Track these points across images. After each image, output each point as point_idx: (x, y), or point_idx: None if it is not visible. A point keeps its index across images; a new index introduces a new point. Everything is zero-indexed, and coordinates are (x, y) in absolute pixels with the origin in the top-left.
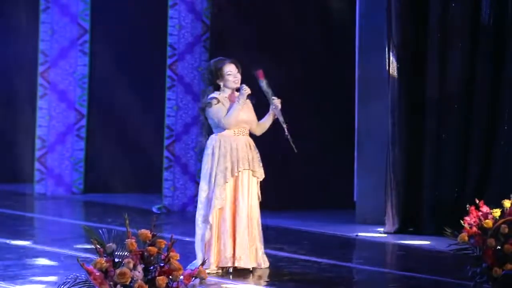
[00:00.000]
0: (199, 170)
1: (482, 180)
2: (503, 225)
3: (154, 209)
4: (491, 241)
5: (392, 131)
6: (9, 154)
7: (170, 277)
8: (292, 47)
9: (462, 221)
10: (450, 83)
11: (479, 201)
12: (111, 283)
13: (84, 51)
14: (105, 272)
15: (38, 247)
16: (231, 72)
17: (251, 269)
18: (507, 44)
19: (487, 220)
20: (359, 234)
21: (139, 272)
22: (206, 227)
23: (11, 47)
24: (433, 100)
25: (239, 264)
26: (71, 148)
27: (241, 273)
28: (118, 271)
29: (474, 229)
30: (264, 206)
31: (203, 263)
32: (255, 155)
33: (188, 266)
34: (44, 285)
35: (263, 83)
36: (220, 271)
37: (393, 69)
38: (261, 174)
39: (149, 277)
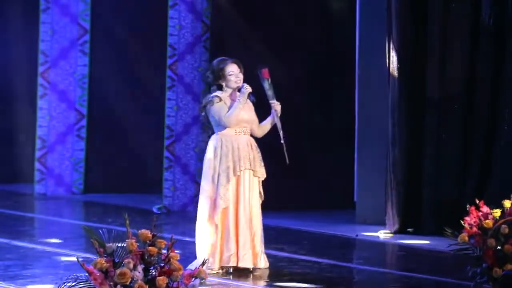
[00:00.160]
0: (199, 170)
1: (482, 180)
2: (503, 225)
3: (154, 209)
4: (491, 241)
5: (392, 131)
6: (9, 154)
7: (170, 277)
8: (292, 47)
9: (462, 221)
10: (450, 83)
11: (479, 201)
12: (111, 283)
13: (84, 51)
14: (105, 272)
15: (38, 247)
16: (233, 72)
17: (251, 269)
18: (507, 44)
19: (487, 220)
20: (363, 233)
21: (139, 272)
22: (210, 228)
23: (11, 47)
24: (433, 100)
25: (242, 264)
26: (71, 148)
27: (241, 273)
28: (118, 271)
29: (474, 229)
30: (264, 206)
31: (203, 263)
32: (256, 154)
33: (189, 266)
34: (44, 285)
35: (266, 83)
36: (220, 271)
37: (393, 69)
38: (262, 174)
39: (149, 277)
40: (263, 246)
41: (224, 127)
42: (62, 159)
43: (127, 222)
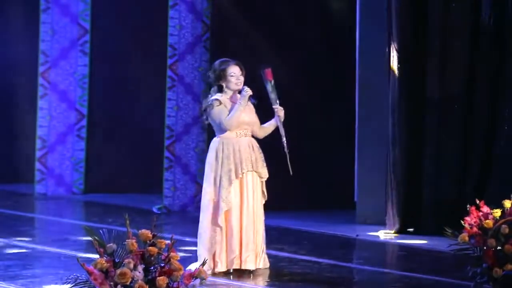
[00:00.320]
0: (199, 170)
1: (482, 180)
2: (503, 226)
3: (155, 209)
4: (491, 241)
5: (392, 131)
6: (10, 154)
7: (171, 277)
8: (292, 47)
9: (462, 221)
10: (450, 83)
11: (480, 201)
12: (112, 283)
13: (85, 51)
14: (106, 272)
15: (39, 247)
16: (235, 73)
17: (251, 269)
18: (507, 44)
19: (487, 220)
20: (363, 233)
21: (139, 272)
22: (214, 231)
23: (11, 47)
24: (433, 100)
25: (245, 266)
26: (72, 148)
27: (241, 273)
28: (118, 271)
29: (475, 229)
30: (264, 206)
31: (203, 263)
32: (258, 155)
33: (189, 267)
34: (44, 285)
35: (269, 85)
36: (218, 273)
37: (393, 69)
38: (265, 174)
39: (150, 277)
40: (264, 246)
41: (225, 130)
42: (62, 159)
43: (127, 222)
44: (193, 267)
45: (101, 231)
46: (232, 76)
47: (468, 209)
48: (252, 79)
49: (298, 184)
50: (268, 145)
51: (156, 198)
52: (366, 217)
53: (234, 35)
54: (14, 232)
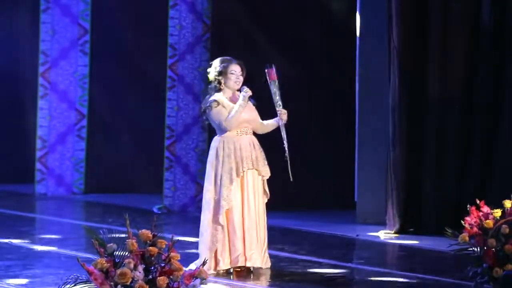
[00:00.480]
0: (199, 170)
1: (482, 180)
2: (504, 226)
3: (155, 209)
4: (491, 241)
5: (392, 131)
6: (10, 154)
7: (171, 277)
8: (292, 47)
9: (462, 221)
10: (450, 83)
11: (480, 201)
12: (112, 283)
13: (85, 51)
14: (106, 273)
15: (38, 247)
16: (235, 72)
17: (252, 269)
18: (507, 44)
19: (487, 221)
20: (369, 233)
21: (139, 272)
22: (216, 229)
23: (11, 48)
24: (433, 100)
25: (250, 263)
26: (72, 148)
27: (242, 273)
28: (118, 271)
29: (475, 229)
30: (265, 206)
31: (203, 263)
32: (259, 154)
33: (190, 266)
34: (44, 285)
35: (273, 86)
36: (221, 271)
37: (393, 69)
38: (266, 173)
39: (150, 277)
40: (266, 246)
41: (225, 131)
42: (62, 159)
43: (128, 222)
44: (193, 266)
45: (101, 231)
46: (232, 74)
47: (468, 209)
48: (252, 80)
49: (298, 184)
50: (268, 145)
51: (156, 198)
52: (366, 217)
53: (235, 35)
54: (14, 232)
